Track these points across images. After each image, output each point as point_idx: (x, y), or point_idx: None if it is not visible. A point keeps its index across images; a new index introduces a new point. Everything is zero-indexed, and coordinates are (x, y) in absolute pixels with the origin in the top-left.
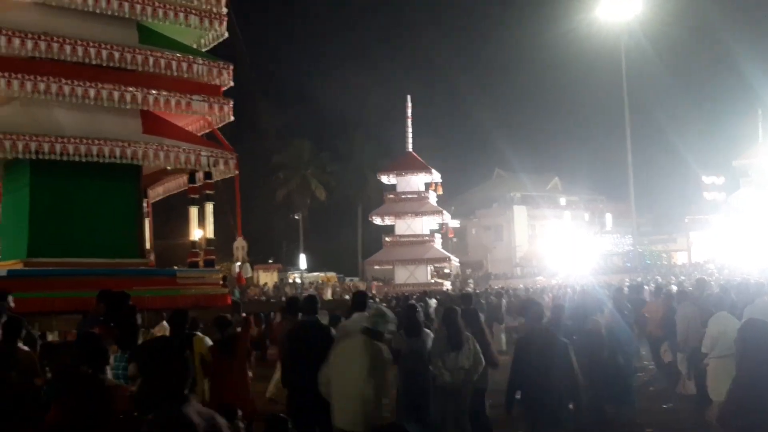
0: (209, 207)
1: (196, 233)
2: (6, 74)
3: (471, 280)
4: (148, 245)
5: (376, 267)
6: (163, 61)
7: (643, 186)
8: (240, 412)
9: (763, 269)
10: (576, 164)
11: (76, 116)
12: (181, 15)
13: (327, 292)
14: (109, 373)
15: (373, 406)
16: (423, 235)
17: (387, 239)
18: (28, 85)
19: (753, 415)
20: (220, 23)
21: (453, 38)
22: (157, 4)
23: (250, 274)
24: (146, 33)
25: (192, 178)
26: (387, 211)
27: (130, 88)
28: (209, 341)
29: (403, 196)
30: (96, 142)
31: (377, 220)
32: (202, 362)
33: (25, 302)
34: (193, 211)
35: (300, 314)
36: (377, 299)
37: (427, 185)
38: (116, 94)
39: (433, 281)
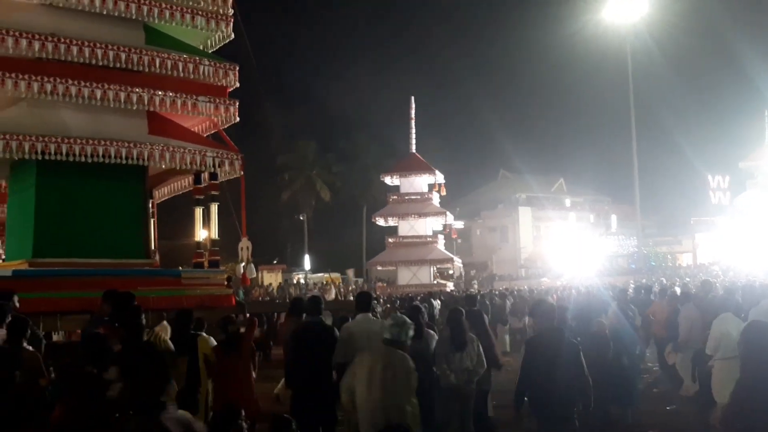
0: (214, 207)
1: (200, 234)
2: (13, 75)
3: (475, 281)
4: (153, 246)
5: (379, 268)
6: (169, 62)
7: (648, 187)
8: (243, 412)
9: None
10: (581, 165)
11: (82, 117)
12: (188, 16)
13: (331, 293)
14: None
15: (399, 415)
16: (426, 236)
17: (390, 240)
18: (35, 86)
19: (756, 417)
20: (227, 24)
21: (459, 39)
22: (163, 5)
23: (254, 275)
24: (153, 34)
25: (197, 179)
26: (390, 212)
27: (137, 89)
28: (214, 341)
29: (406, 197)
30: (102, 142)
31: (380, 221)
32: (206, 362)
33: (30, 302)
34: (198, 212)
35: (304, 315)
36: (382, 300)
37: (431, 186)
38: (122, 95)
39: (435, 282)
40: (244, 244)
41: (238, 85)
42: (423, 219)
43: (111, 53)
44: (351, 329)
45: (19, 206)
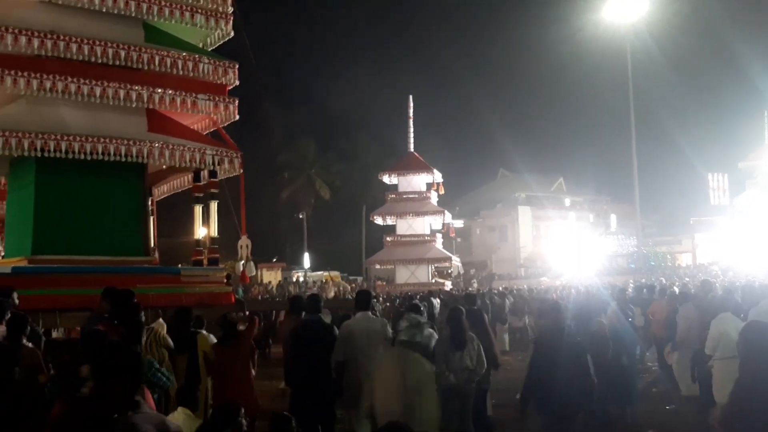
0: (214, 205)
1: (200, 232)
2: (12, 72)
3: (474, 280)
4: (152, 243)
5: (378, 266)
6: (168, 60)
7: (648, 187)
8: (243, 410)
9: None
10: (581, 165)
11: (81, 114)
12: (187, 14)
13: (330, 292)
14: None
15: (418, 418)
16: (424, 235)
17: (388, 239)
18: (34, 83)
19: (755, 418)
20: (226, 22)
21: (459, 39)
22: (163, 3)
23: (254, 273)
24: (152, 32)
25: (197, 177)
26: (388, 211)
27: (136, 87)
28: (213, 339)
29: (404, 196)
30: (101, 140)
31: (378, 220)
32: (205, 360)
33: (29, 299)
34: (198, 210)
35: (303, 313)
36: (381, 298)
37: (429, 185)
38: (122, 93)
39: (433, 281)
40: (244, 242)
41: (237, 83)
42: (421, 218)
43: (110, 51)
44: (351, 327)
45: (18, 203)
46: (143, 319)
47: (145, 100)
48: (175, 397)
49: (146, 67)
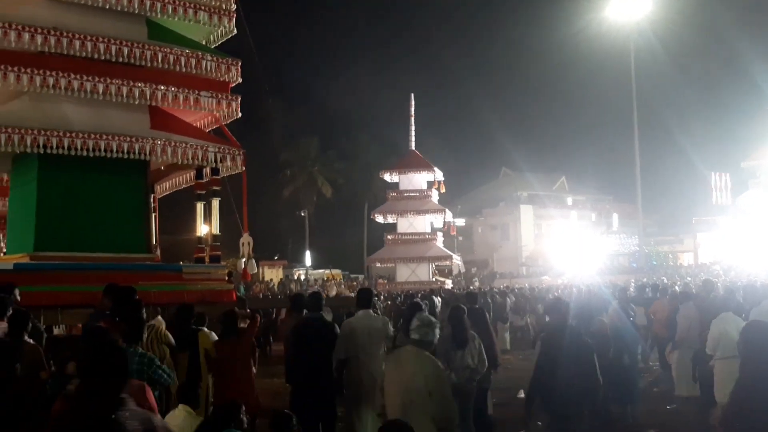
0: (216, 203)
1: (202, 229)
2: (15, 69)
3: (476, 279)
4: (154, 240)
5: (378, 265)
6: (171, 57)
7: (650, 186)
8: (243, 408)
9: None
10: (583, 164)
11: (84, 111)
12: (191, 11)
13: (332, 290)
14: None
15: (431, 415)
16: (425, 233)
17: (389, 237)
18: (38, 80)
19: (756, 417)
20: (229, 20)
21: (461, 38)
22: (166, 0)
23: (255, 271)
24: (155, 29)
25: (199, 174)
26: (389, 209)
27: (139, 84)
28: (215, 336)
29: (405, 194)
30: (104, 137)
31: (379, 218)
32: (206, 357)
33: (31, 296)
34: (200, 207)
35: (305, 311)
36: (382, 296)
37: (430, 183)
38: (125, 90)
39: (434, 279)
40: (246, 240)
41: (240, 80)
42: (422, 216)
43: (113, 48)
44: (352, 325)
45: (20, 200)
46: (145, 316)
47: (148, 97)
48: (176, 395)
49: (149, 64)
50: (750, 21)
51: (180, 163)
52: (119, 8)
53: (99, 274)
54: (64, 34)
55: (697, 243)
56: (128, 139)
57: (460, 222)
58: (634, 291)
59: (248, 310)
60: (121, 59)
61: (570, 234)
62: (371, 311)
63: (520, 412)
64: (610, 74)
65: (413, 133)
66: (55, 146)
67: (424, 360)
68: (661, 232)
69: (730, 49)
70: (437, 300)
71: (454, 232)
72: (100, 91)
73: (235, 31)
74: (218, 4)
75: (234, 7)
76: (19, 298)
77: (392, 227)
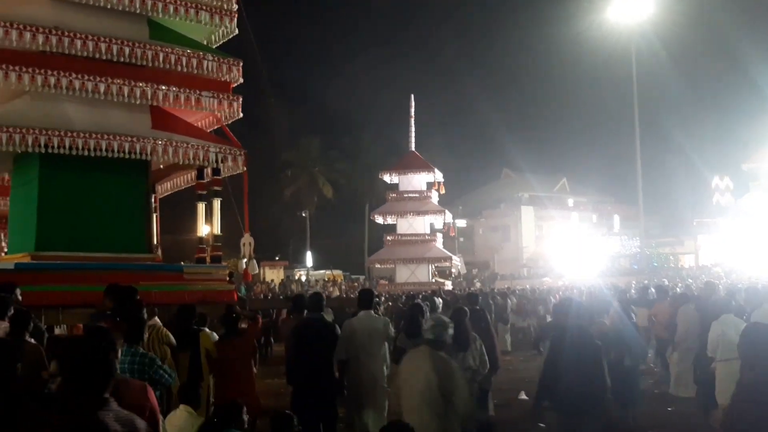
0: (217, 203)
1: (203, 229)
2: (17, 68)
3: (477, 280)
4: (155, 240)
5: (378, 265)
6: (173, 57)
7: (651, 188)
8: (244, 408)
9: None
10: (584, 165)
11: (85, 111)
12: (192, 11)
13: (334, 291)
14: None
15: (443, 416)
16: (424, 234)
17: (388, 238)
18: (39, 79)
19: (756, 420)
20: (231, 20)
21: (463, 38)
22: (168, 0)
23: (256, 271)
24: (157, 29)
25: (200, 174)
26: (389, 210)
27: (140, 84)
28: (216, 337)
29: (405, 195)
30: (105, 136)
31: (379, 219)
32: (207, 358)
33: (32, 295)
34: (201, 207)
35: (306, 311)
36: (383, 297)
37: (430, 185)
38: (126, 89)
39: (434, 281)
40: (247, 240)
41: (242, 80)
42: (421, 217)
43: (115, 47)
44: (354, 326)
45: (22, 199)
46: (146, 316)
47: (150, 96)
48: (177, 395)
49: (151, 64)
50: (751, 23)
51: (181, 163)
52: (121, 8)
53: (100, 274)
54: (66, 33)
55: (698, 245)
56: (129, 139)
57: (461, 223)
58: (635, 293)
59: (248, 310)
60: (122, 59)
61: (571, 235)
62: (372, 312)
63: (521, 413)
64: (611, 76)
65: (413, 134)
66: (56, 146)
67: (439, 360)
68: (663, 233)
69: (732, 50)
70: (438, 301)
71: (453, 233)
72: (102, 90)
73: (237, 31)
74: (220, 4)
75: (235, 7)
76: (20, 297)
77: (392, 228)
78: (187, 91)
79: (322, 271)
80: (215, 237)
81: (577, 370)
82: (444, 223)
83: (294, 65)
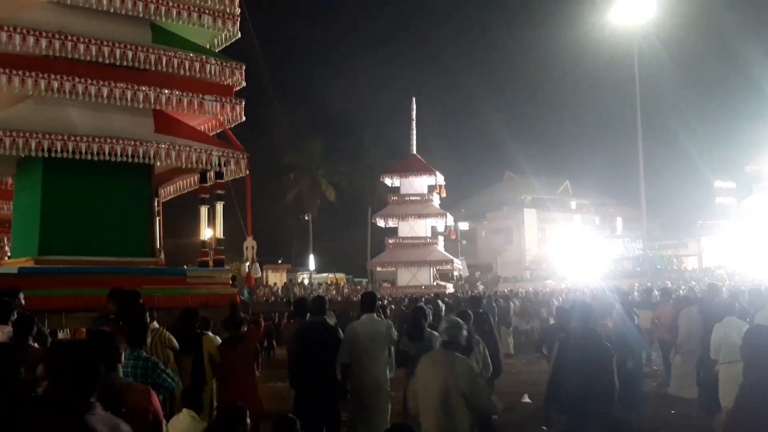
0: (219, 207)
1: (206, 233)
2: (20, 72)
3: (479, 283)
4: (158, 244)
5: (379, 269)
6: (176, 61)
7: (654, 190)
8: (247, 412)
9: None
10: (587, 168)
11: (88, 115)
12: (195, 15)
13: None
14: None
15: (462, 417)
16: (426, 237)
17: (390, 241)
18: (42, 84)
19: (759, 423)
20: (233, 23)
21: (467, 41)
22: (170, 3)
23: (259, 274)
24: (159, 32)
25: (203, 178)
26: (390, 213)
27: (143, 88)
28: (219, 340)
29: (406, 198)
30: (108, 140)
31: (380, 222)
32: (210, 362)
33: (35, 299)
34: (204, 211)
35: (308, 315)
36: (386, 300)
37: (431, 187)
38: (129, 93)
39: (435, 284)
40: (249, 244)
41: (244, 84)
42: (423, 220)
43: (118, 51)
44: (356, 330)
45: (25, 204)
46: (149, 320)
47: (152, 100)
48: (180, 399)
49: (153, 68)
50: (754, 25)
51: (184, 166)
52: (124, 12)
53: (103, 278)
54: (69, 37)
55: (701, 247)
56: (132, 142)
57: (464, 226)
58: (638, 295)
59: (252, 314)
60: (125, 63)
61: (574, 238)
62: (375, 315)
63: (524, 416)
64: (614, 78)
65: (414, 137)
66: (59, 150)
67: (456, 360)
68: (665, 236)
69: (734, 53)
70: (441, 304)
71: (454, 236)
72: (105, 94)
73: (239, 34)
74: (222, 8)
75: (238, 10)
76: (23, 301)
77: (393, 231)
78: (190, 94)
79: (324, 275)
80: (218, 240)
81: (587, 372)
82: (445, 226)
83: (295, 67)
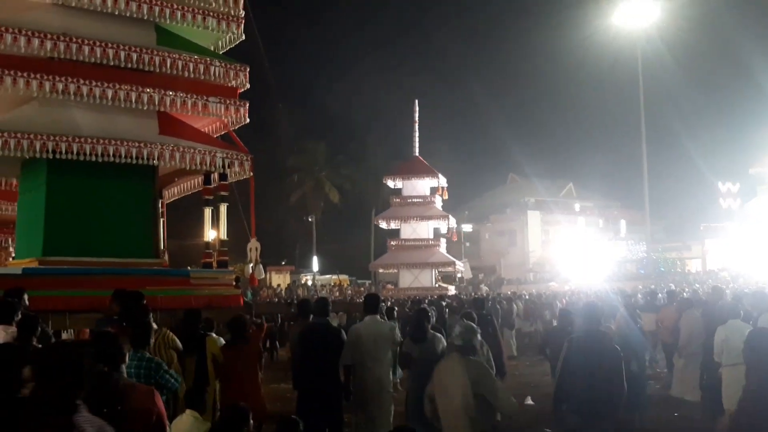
0: (223, 208)
1: (209, 234)
2: (25, 74)
3: (483, 285)
4: (162, 245)
5: (381, 270)
6: (180, 63)
7: (658, 193)
8: (250, 412)
9: None
10: (591, 170)
11: (93, 116)
12: (199, 17)
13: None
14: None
15: (480, 419)
16: (428, 239)
17: (392, 243)
18: (47, 85)
19: (762, 425)
20: (238, 26)
21: (470, 43)
22: (175, 5)
23: (263, 276)
24: (164, 34)
25: (207, 180)
26: (392, 215)
27: (148, 89)
28: (222, 341)
29: (408, 200)
30: (113, 142)
31: (383, 224)
32: (214, 363)
33: (39, 300)
34: (208, 212)
35: (311, 316)
36: (389, 302)
37: (434, 189)
38: (133, 95)
39: (437, 285)
40: (253, 245)
41: (248, 86)
42: (425, 222)
43: (122, 53)
44: (359, 331)
45: (29, 205)
46: (152, 321)
47: (157, 102)
48: (183, 400)
49: (158, 70)
50: (758, 27)
51: (188, 168)
52: (128, 14)
53: (107, 279)
54: (74, 39)
55: (705, 249)
56: (137, 144)
57: (468, 228)
58: (641, 297)
59: (255, 316)
60: (129, 65)
61: (577, 240)
62: (378, 317)
63: (527, 418)
64: (617, 81)
65: (417, 139)
66: (63, 151)
67: (471, 364)
68: (669, 238)
69: (738, 55)
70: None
71: (456, 239)
72: (109, 96)
73: (244, 37)
74: (227, 10)
75: (242, 13)
76: (27, 302)
77: (396, 233)
78: (194, 96)
79: (328, 276)
80: (222, 242)
81: (596, 374)
82: (448, 228)
83: (299, 69)
